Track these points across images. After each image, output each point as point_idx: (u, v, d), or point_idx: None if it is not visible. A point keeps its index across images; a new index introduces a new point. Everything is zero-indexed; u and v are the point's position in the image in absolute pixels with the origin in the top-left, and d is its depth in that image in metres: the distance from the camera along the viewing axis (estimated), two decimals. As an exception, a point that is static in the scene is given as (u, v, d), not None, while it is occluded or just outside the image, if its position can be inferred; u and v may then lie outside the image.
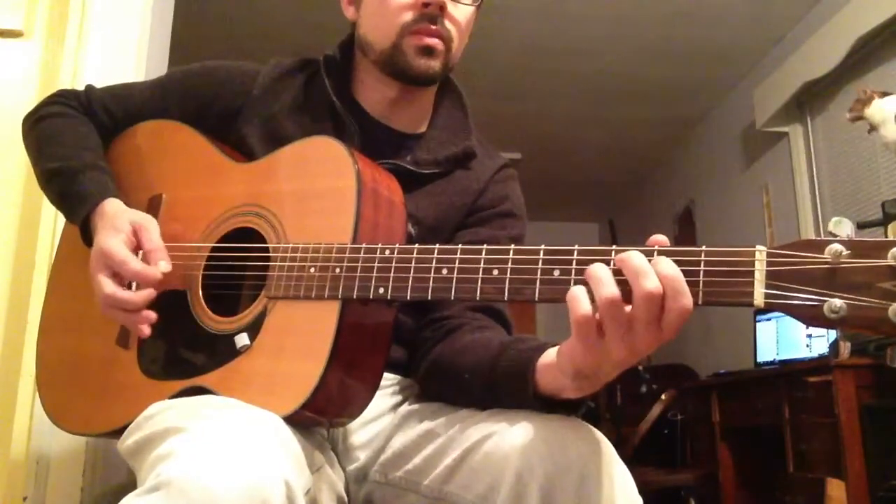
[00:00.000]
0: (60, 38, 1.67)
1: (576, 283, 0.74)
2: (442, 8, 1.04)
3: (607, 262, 0.71)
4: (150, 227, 0.98)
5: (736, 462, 3.42)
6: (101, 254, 0.95)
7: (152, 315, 0.94)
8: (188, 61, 1.19)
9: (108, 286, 0.94)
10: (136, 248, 0.96)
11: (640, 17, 3.63)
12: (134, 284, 0.95)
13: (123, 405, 0.97)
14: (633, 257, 0.69)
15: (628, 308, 0.69)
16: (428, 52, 1.04)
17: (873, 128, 2.51)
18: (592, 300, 0.70)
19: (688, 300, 0.68)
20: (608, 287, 0.69)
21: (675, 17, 3.61)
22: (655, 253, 0.70)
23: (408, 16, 1.04)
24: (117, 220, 0.98)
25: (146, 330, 0.94)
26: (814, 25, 3.44)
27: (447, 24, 1.05)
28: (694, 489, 3.41)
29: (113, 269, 0.94)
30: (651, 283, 0.68)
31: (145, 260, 0.95)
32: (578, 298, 0.71)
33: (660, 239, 0.72)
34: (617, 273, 0.70)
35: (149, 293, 0.94)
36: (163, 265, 0.95)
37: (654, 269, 0.68)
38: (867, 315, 0.62)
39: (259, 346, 0.90)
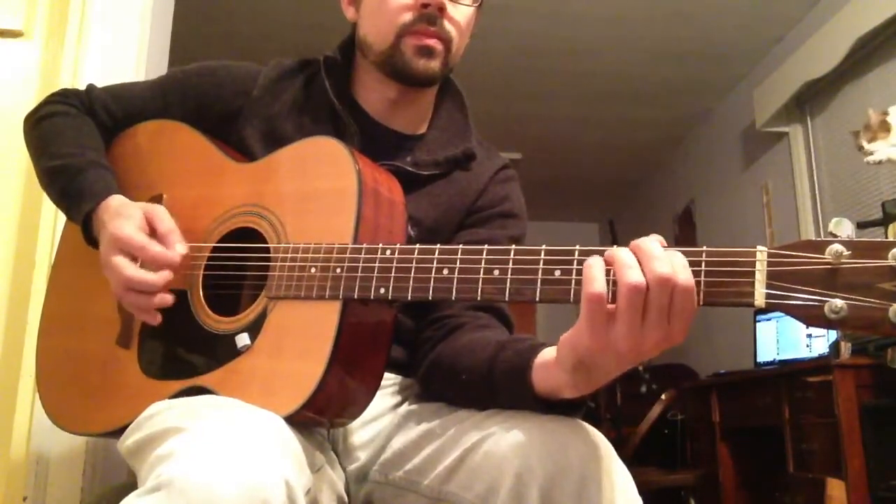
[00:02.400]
0: (60, 38, 1.67)
1: (577, 282, 0.73)
2: (441, 8, 1.03)
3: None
4: (161, 213, 0.98)
5: (736, 462, 3.42)
6: (116, 240, 0.95)
7: (169, 297, 0.94)
8: (188, 61, 1.19)
9: (129, 268, 0.93)
10: (150, 234, 0.96)
11: (640, 18, 3.63)
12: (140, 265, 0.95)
13: (123, 405, 0.97)
14: (647, 242, 0.69)
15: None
16: (427, 52, 1.04)
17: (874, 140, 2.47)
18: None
19: (690, 278, 0.68)
20: (635, 272, 0.68)
21: (675, 17, 3.61)
22: None
23: (407, 16, 1.03)
24: (127, 209, 0.98)
25: (159, 316, 0.94)
26: (814, 25, 3.44)
27: (447, 24, 1.05)
28: (694, 489, 3.41)
29: (131, 255, 0.94)
30: (664, 267, 0.68)
31: (161, 244, 0.95)
32: (595, 277, 0.70)
33: (654, 237, 0.72)
34: None
35: (168, 275, 0.93)
36: (179, 247, 0.95)
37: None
38: (868, 315, 0.62)
39: (259, 346, 0.91)
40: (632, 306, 0.69)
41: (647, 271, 0.68)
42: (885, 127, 2.29)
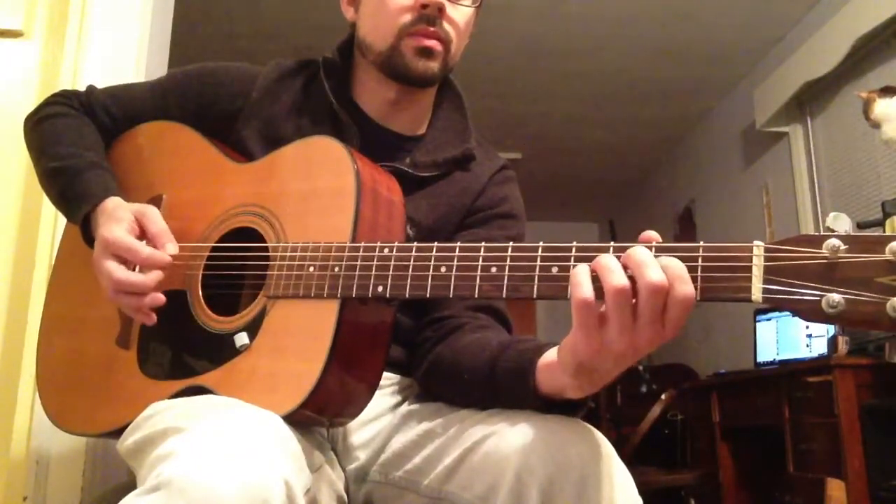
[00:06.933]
0: (60, 38, 1.67)
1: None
2: (441, 9, 1.04)
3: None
4: (152, 214, 0.98)
5: (736, 462, 3.42)
6: (106, 243, 0.95)
7: (160, 297, 0.94)
8: (188, 61, 1.19)
9: (119, 271, 0.94)
10: (140, 236, 0.97)
11: (640, 17, 3.63)
12: (138, 269, 0.95)
13: (123, 405, 0.97)
14: (637, 250, 0.69)
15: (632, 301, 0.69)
16: (426, 53, 1.04)
17: (876, 125, 2.52)
18: (596, 291, 0.70)
19: (690, 290, 0.68)
20: (618, 276, 0.69)
21: (675, 17, 3.61)
22: (653, 250, 0.70)
23: (406, 17, 1.04)
24: (119, 211, 0.99)
25: (153, 316, 0.94)
26: (814, 25, 3.44)
27: (446, 25, 1.05)
28: (694, 489, 3.41)
29: (120, 257, 0.95)
30: (656, 275, 0.68)
31: (151, 245, 0.95)
32: (581, 284, 0.70)
33: (651, 235, 0.72)
34: (623, 268, 0.70)
35: (158, 275, 0.94)
36: (170, 247, 0.95)
37: (659, 262, 0.68)
38: (865, 310, 0.62)
39: (258, 345, 0.91)
40: (619, 309, 0.69)
41: (638, 279, 0.68)
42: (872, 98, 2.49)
